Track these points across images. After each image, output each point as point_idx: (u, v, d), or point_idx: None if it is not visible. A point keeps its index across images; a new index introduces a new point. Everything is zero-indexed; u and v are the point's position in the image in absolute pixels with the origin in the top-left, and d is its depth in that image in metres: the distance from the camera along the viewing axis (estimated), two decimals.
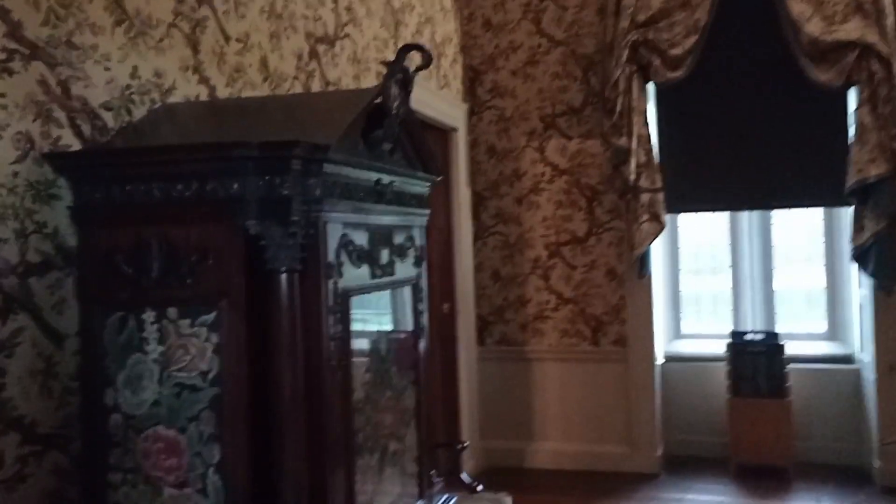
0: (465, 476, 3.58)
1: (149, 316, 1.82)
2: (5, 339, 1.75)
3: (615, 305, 5.47)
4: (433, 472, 2.74)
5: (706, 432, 5.53)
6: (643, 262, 5.24)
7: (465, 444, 3.71)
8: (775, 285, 5.78)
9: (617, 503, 4.73)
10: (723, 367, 5.39)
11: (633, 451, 5.33)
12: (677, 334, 6.00)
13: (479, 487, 3.62)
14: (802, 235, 5.86)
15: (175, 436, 1.82)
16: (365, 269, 2.12)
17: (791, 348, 5.31)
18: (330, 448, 1.87)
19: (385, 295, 2.40)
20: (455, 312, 5.32)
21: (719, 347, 5.47)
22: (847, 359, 5.44)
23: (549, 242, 5.61)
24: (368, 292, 2.19)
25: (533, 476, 5.34)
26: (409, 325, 2.50)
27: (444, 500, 2.70)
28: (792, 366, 5.26)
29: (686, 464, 5.39)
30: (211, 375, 1.79)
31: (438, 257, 5.05)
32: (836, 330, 5.63)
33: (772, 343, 5.29)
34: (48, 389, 1.85)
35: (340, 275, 1.95)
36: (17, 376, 1.77)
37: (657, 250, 5.51)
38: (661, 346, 5.71)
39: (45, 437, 1.84)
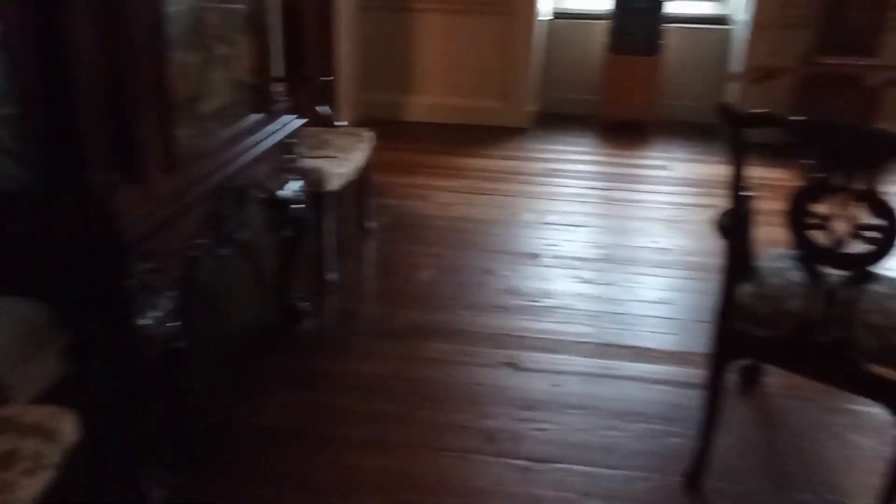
0: (323, 109, 3.53)
1: None
2: None
3: None
4: (280, 91, 2.65)
5: (581, 90, 5.63)
6: None
7: (329, 78, 3.60)
8: None
9: (486, 152, 4.89)
10: (606, 25, 5.34)
11: (508, 106, 5.41)
12: None
13: (341, 123, 3.61)
14: None
15: None
16: None
17: (672, 7, 5.25)
18: (129, 34, 1.70)
19: None
20: None
21: (607, 5, 5.36)
22: (723, 20, 5.46)
23: None
24: None
25: (410, 128, 5.40)
26: None
27: (289, 122, 2.64)
28: (670, 24, 5.25)
29: (558, 120, 5.55)
30: None
31: None
32: None
33: (654, 0, 5.19)
34: None
35: None
36: None
37: None
38: (550, 2, 5.56)
39: None
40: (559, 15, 5.69)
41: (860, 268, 1.66)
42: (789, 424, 2.35)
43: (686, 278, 3.25)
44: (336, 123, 3.53)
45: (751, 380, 2.50)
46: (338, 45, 4.98)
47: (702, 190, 4.26)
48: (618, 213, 4.00)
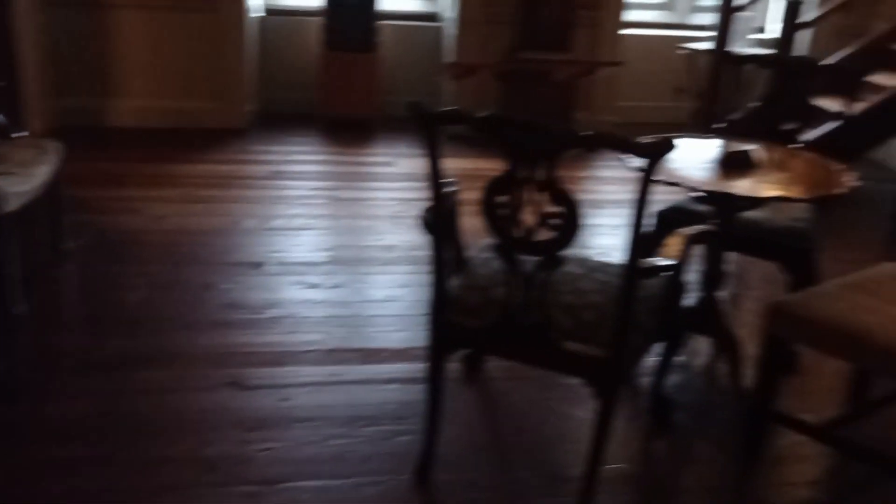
0: None
1: None
2: None
3: None
4: None
5: (300, 89, 5.51)
6: None
7: (1, 84, 3.14)
8: None
9: (203, 157, 4.61)
10: (320, 22, 5.27)
11: (222, 107, 5.14)
12: None
13: (20, 134, 3.18)
14: None
15: None
16: None
17: (384, 4, 5.33)
18: None
19: None
20: None
21: (320, 2, 5.29)
22: (433, 17, 5.66)
23: None
24: None
25: (114, 135, 4.93)
26: None
27: None
28: (383, 21, 5.32)
29: (278, 120, 5.38)
30: None
31: None
32: None
33: None
34: None
35: None
36: None
37: None
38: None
39: None
40: (271, 11, 5.53)
41: (550, 253, 1.74)
42: (510, 406, 2.46)
43: (412, 273, 3.30)
44: (14, 135, 3.09)
45: (473, 367, 2.57)
46: (17, 46, 4.40)
47: (426, 184, 4.36)
48: (344, 212, 3.96)
